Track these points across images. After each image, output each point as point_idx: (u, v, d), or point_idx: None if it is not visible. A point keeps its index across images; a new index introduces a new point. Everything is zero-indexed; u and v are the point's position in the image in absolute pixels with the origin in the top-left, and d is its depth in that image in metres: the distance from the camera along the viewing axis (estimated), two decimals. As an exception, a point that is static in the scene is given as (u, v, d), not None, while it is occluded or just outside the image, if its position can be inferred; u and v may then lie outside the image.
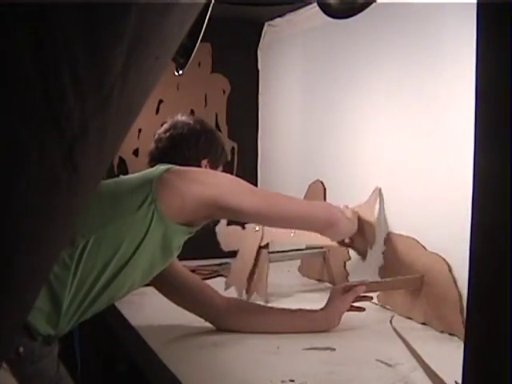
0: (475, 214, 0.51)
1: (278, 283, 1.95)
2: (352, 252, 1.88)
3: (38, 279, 0.41)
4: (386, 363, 1.24)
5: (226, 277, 2.12)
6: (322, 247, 2.02)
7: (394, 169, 1.70)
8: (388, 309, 1.68)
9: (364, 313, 1.56)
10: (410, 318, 1.59)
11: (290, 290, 1.91)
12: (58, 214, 0.37)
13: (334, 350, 1.33)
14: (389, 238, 1.70)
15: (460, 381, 0.52)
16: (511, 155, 0.46)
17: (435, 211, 1.54)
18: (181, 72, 1.38)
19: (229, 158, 1.62)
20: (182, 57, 1.31)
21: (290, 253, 2.00)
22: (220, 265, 2.25)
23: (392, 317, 1.43)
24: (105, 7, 0.33)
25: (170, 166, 1.33)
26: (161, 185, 1.24)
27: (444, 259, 1.48)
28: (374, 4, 1.26)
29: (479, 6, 0.50)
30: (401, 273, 1.61)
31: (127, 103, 0.39)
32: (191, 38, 1.20)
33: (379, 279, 1.68)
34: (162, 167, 1.31)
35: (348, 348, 1.35)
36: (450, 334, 1.45)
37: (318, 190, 2.06)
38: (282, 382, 1.13)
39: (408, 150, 1.64)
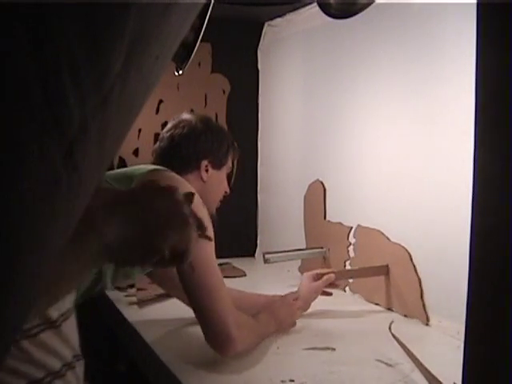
0: (475, 213, 0.51)
1: (278, 283, 1.95)
2: (352, 251, 1.88)
3: (37, 279, 0.41)
4: (386, 363, 1.24)
5: (225, 277, 2.12)
6: (322, 247, 2.02)
7: (394, 168, 1.70)
8: (393, 310, 1.69)
9: (364, 313, 1.57)
10: (377, 304, 1.73)
11: (290, 289, 1.91)
12: (58, 214, 0.37)
13: (334, 349, 1.33)
14: (358, 231, 1.83)
15: (458, 382, 0.52)
16: (511, 155, 0.46)
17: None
18: (181, 72, 1.38)
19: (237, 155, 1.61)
20: (182, 57, 1.30)
21: (289, 253, 2.00)
22: (220, 265, 2.25)
23: (391, 323, 1.44)
24: (105, 7, 0.33)
25: (157, 166, 1.32)
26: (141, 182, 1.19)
27: (405, 248, 1.60)
28: (373, 4, 1.26)
29: (479, 6, 0.50)
30: (369, 262, 1.75)
31: (127, 103, 0.39)
32: (191, 37, 1.20)
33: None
34: (149, 167, 1.31)
35: (348, 348, 1.35)
36: (412, 318, 1.58)
37: (318, 190, 2.06)
38: (282, 381, 1.13)
39: (408, 150, 1.64)
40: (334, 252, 1.97)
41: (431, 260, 1.52)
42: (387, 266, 1.68)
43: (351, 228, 1.88)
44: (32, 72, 0.31)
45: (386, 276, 1.69)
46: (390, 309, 1.70)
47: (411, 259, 1.58)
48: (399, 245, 1.63)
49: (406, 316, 1.61)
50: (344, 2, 1.22)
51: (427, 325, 1.53)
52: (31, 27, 0.30)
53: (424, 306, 1.54)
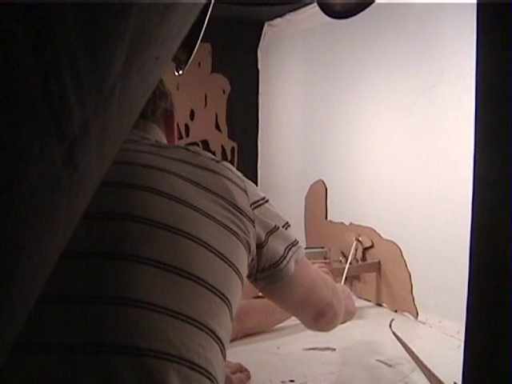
0: (475, 213, 0.51)
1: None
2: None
3: (37, 281, 0.41)
4: (385, 363, 1.24)
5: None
6: (322, 247, 2.02)
7: (395, 168, 1.70)
8: (383, 305, 1.69)
9: (363, 312, 1.57)
10: (368, 300, 1.77)
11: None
12: (58, 214, 0.37)
13: (334, 349, 1.33)
14: (351, 228, 1.88)
15: (458, 381, 0.52)
16: (511, 155, 0.46)
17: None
18: (181, 72, 1.38)
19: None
20: (182, 57, 1.30)
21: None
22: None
23: (391, 321, 1.44)
24: (105, 7, 0.33)
25: None
26: None
27: (396, 245, 1.66)
28: (373, 4, 1.26)
29: (479, 5, 0.50)
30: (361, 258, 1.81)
31: (128, 103, 0.39)
32: (191, 37, 1.20)
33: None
34: None
35: (348, 348, 1.35)
36: (402, 312, 1.63)
37: (320, 190, 2.06)
38: (282, 382, 1.13)
39: (408, 149, 1.64)
40: (335, 251, 1.97)
41: (431, 260, 1.52)
42: (379, 262, 1.74)
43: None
44: (32, 72, 0.31)
45: (377, 272, 1.74)
46: (379, 304, 1.73)
47: (402, 254, 1.63)
48: (391, 241, 1.68)
49: (395, 311, 1.65)
50: (344, 2, 1.22)
51: (417, 319, 1.56)
52: (32, 28, 0.30)
53: (414, 300, 1.58)
